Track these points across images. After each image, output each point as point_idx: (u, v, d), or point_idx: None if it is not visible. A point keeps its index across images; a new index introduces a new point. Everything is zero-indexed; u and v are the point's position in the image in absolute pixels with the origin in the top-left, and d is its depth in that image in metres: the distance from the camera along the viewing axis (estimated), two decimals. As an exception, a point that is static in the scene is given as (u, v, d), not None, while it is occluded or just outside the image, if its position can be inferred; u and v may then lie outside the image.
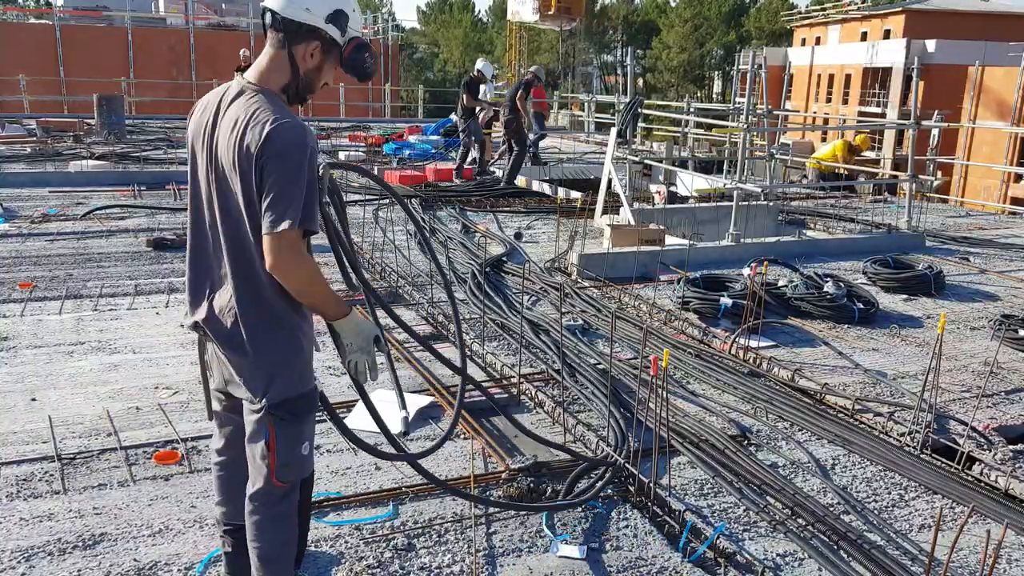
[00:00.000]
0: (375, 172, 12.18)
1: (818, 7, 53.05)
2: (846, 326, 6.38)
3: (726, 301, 6.35)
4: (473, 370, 5.04)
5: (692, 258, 7.77)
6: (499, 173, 13.57)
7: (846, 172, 15.97)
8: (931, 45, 34.81)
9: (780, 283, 6.94)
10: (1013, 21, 42.13)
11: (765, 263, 6.75)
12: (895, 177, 17.96)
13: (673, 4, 66.85)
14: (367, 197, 11.03)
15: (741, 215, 8.95)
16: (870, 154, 32.03)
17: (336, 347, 2.63)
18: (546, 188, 12.93)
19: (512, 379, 4.98)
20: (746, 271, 6.90)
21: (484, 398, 4.44)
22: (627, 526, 3.50)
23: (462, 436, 4.30)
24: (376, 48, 35.25)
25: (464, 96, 12.98)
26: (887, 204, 13.02)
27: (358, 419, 4.44)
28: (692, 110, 17.59)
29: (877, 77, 38.80)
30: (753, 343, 5.70)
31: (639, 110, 11.54)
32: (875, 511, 3.69)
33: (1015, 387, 5.23)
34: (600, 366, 5.21)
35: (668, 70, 62.21)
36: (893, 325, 6.49)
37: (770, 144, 12.40)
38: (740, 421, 4.60)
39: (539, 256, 8.40)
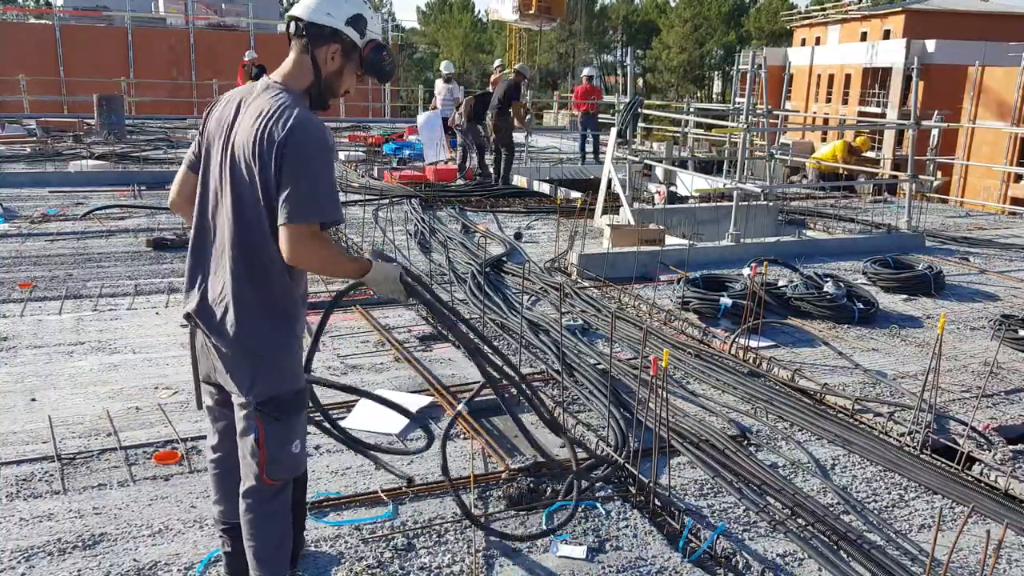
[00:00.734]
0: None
1: (818, 7, 53.05)
2: (846, 326, 6.38)
3: (726, 301, 6.35)
4: (474, 371, 5.04)
5: (692, 258, 7.77)
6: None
7: (845, 172, 15.97)
8: (931, 45, 34.81)
9: (780, 283, 6.94)
10: (1013, 21, 42.12)
11: (765, 263, 6.75)
12: (895, 177, 17.95)
13: (673, 4, 66.85)
14: (367, 197, 11.03)
15: (741, 215, 8.95)
16: (870, 154, 32.05)
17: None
18: (545, 188, 12.94)
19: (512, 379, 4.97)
20: (746, 271, 6.90)
21: (484, 398, 4.45)
22: (627, 526, 3.50)
23: (462, 436, 4.30)
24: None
25: (499, 103, 12.80)
26: (887, 204, 13.02)
27: (358, 419, 4.44)
28: (692, 110, 17.58)
29: (877, 77, 38.79)
30: (753, 343, 5.70)
31: (639, 110, 11.54)
32: (875, 511, 3.69)
33: (1015, 387, 5.23)
34: (600, 366, 5.21)
35: (668, 70, 62.20)
36: (893, 325, 6.49)
37: (770, 144, 12.40)
38: (740, 421, 4.59)
39: (539, 256, 8.40)
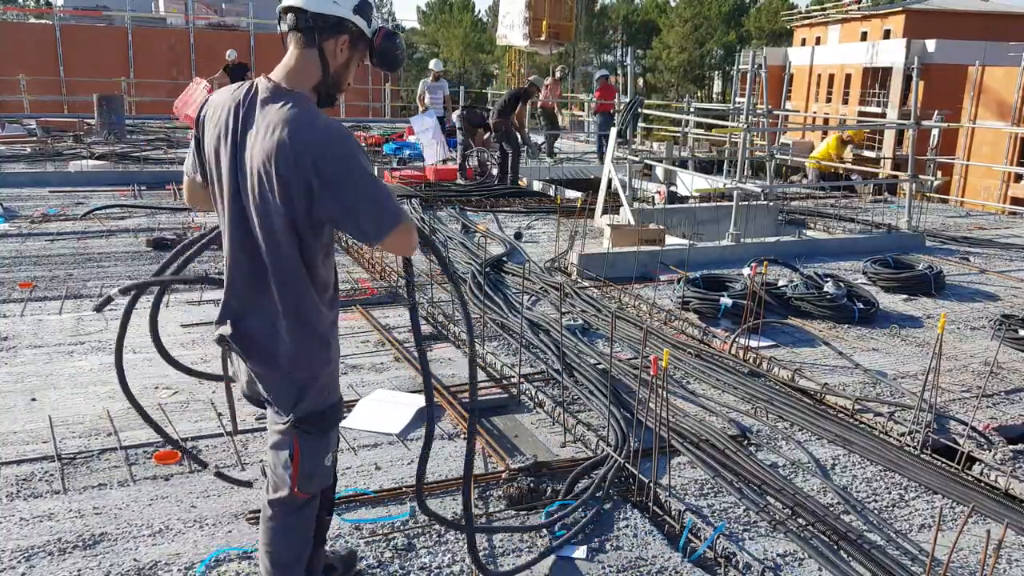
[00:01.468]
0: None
1: (818, 7, 53.05)
2: (846, 326, 6.38)
3: (726, 301, 6.35)
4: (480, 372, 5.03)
5: (692, 258, 7.77)
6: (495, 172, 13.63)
7: (845, 172, 15.97)
8: (931, 45, 34.80)
9: (780, 283, 6.94)
10: (1013, 21, 42.12)
11: (765, 263, 6.75)
12: (895, 177, 17.95)
13: (673, 4, 66.86)
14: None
15: (741, 215, 8.95)
16: (870, 154, 32.05)
17: None
18: (547, 187, 12.94)
19: (512, 379, 4.98)
20: (746, 271, 6.90)
21: (485, 397, 4.45)
22: (627, 526, 3.50)
23: (462, 436, 4.30)
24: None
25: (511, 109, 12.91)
26: (887, 204, 13.02)
27: (357, 419, 4.44)
28: (692, 110, 17.58)
29: (877, 77, 38.79)
30: (753, 343, 5.70)
31: (639, 110, 11.54)
32: (875, 511, 3.69)
33: (1015, 387, 5.23)
34: (600, 366, 5.21)
35: (668, 70, 62.21)
36: (893, 325, 6.49)
37: (770, 144, 12.40)
38: (740, 421, 4.60)
39: (539, 256, 8.40)
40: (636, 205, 10.60)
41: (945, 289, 7.52)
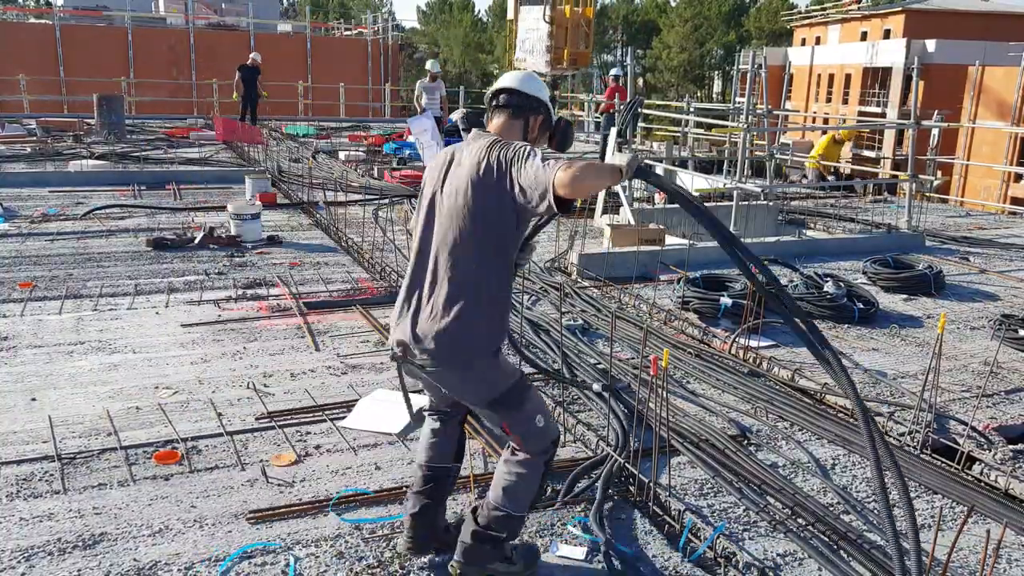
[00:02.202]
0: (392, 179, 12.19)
1: (818, 7, 53.05)
2: (846, 326, 6.38)
3: (726, 301, 6.35)
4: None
5: (692, 258, 7.76)
6: None
7: (840, 172, 15.97)
8: (931, 45, 34.80)
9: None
10: (1013, 21, 42.10)
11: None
12: (895, 177, 17.96)
13: (673, 4, 66.86)
14: (367, 197, 11.03)
15: (741, 215, 8.95)
16: (870, 154, 32.04)
17: None
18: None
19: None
20: (746, 271, 6.89)
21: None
22: (627, 526, 3.50)
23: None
24: (376, 48, 35.37)
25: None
26: (887, 204, 13.02)
27: (357, 419, 4.44)
28: (692, 110, 17.58)
29: (877, 77, 38.79)
30: (753, 343, 5.70)
31: (639, 110, 11.55)
32: (875, 511, 3.69)
33: (1015, 387, 5.23)
34: (600, 366, 5.21)
35: (668, 70, 62.19)
36: (893, 325, 6.49)
37: (770, 144, 12.40)
38: (740, 421, 4.60)
39: (539, 256, 8.40)
40: (636, 205, 10.60)
41: (945, 289, 7.53)
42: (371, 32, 37.41)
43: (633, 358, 5.46)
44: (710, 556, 3.30)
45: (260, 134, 16.87)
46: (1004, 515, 3.57)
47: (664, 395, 3.70)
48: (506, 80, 3.07)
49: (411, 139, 17.17)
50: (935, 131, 12.49)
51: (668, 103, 35.86)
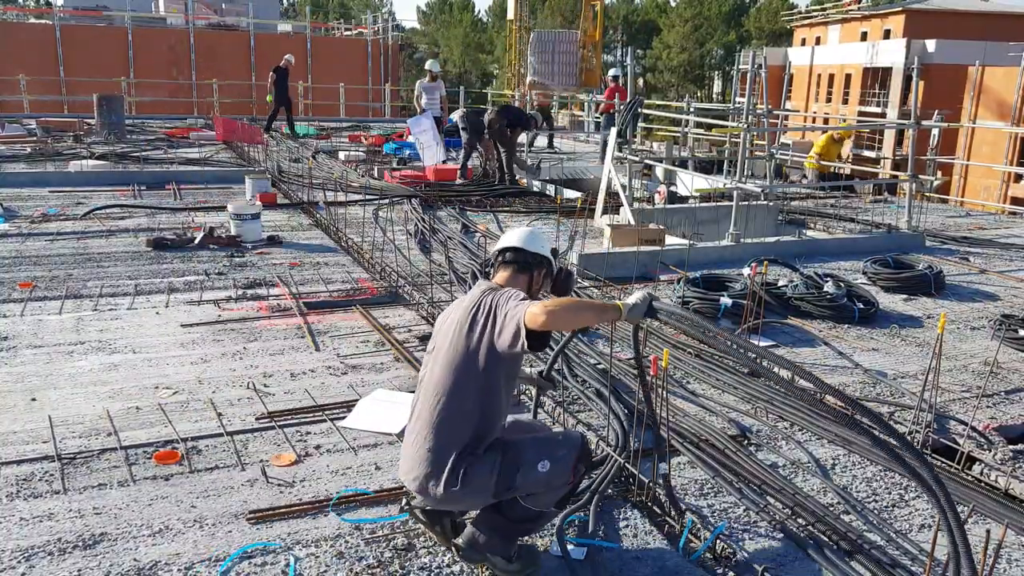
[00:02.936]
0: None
1: (818, 7, 53.07)
2: (846, 326, 6.38)
3: (726, 301, 6.35)
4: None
5: (692, 258, 7.77)
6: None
7: (844, 173, 15.97)
8: (931, 45, 34.81)
9: (780, 283, 6.94)
10: (1013, 21, 42.13)
11: (765, 263, 6.75)
12: (895, 177, 17.96)
13: (673, 4, 66.87)
14: (367, 197, 11.04)
15: (741, 215, 8.95)
16: (870, 154, 32.04)
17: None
18: (547, 188, 12.94)
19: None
20: (746, 271, 6.90)
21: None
22: (627, 526, 3.50)
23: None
24: (376, 48, 35.39)
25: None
26: (887, 204, 13.02)
27: (357, 419, 4.44)
28: (692, 110, 17.58)
29: (877, 77, 38.80)
30: (753, 343, 5.69)
31: (639, 110, 11.54)
32: (875, 511, 3.69)
33: (1015, 387, 5.23)
34: (600, 366, 5.21)
35: (668, 70, 62.23)
36: (893, 325, 6.49)
37: (770, 144, 12.40)
38: (740, 421, 4.60)
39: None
40: (636, 205, 10.60)
41: (945, 289, 7.53)
42: (371, 32, 37.43)
43: (633, 358, 5.45)
44: (710, 556, 3.30)
45: (260, 134, 16.86)
46: (1004, 515, 3.57)
47: (664, 395, 3.70)
48: (511, 239, 3.37)
49: (411, 139, 17.19)
50: (935, 131, 12.49)
51: (668, 103, 35.88)
